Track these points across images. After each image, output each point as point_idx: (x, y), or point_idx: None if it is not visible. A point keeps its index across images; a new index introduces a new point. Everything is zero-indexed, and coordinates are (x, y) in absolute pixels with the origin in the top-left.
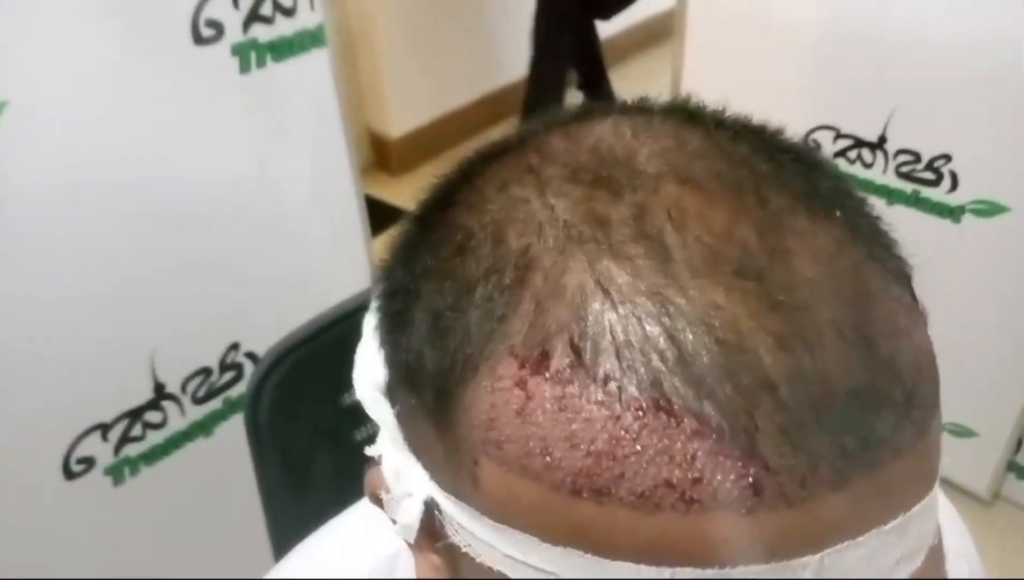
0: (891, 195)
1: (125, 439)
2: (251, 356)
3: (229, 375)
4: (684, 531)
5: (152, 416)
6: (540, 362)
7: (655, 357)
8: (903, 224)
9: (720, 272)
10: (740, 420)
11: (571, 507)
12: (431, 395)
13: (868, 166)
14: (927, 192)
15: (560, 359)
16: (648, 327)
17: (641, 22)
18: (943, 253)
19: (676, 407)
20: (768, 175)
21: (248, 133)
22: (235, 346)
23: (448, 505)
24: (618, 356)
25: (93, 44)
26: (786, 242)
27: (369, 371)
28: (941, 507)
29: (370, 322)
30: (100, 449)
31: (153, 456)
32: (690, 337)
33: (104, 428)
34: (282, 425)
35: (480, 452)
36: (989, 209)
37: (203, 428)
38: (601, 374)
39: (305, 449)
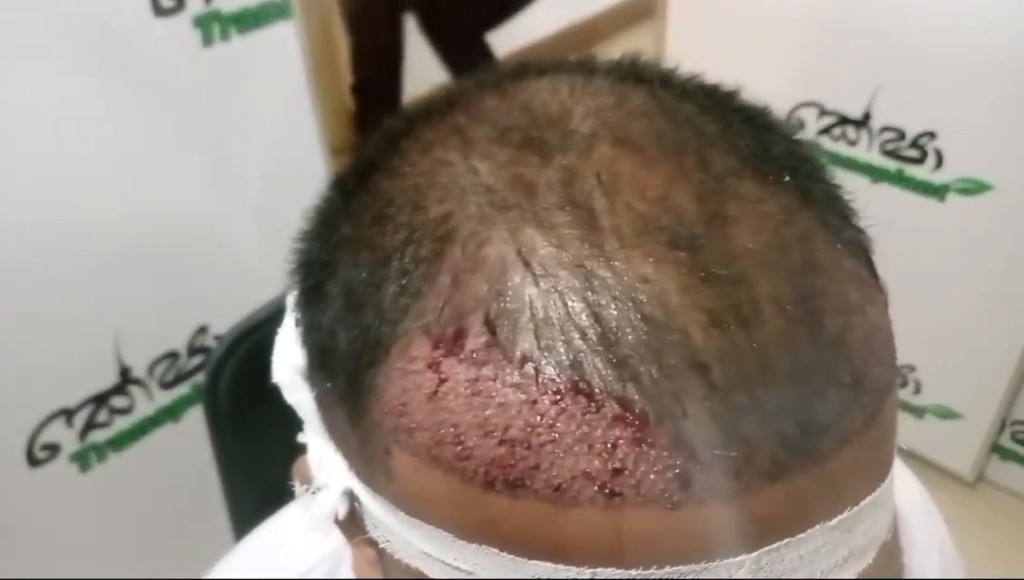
0: (875, 173)
1: (91, 425)
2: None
3: (197, 359)
4: (605, 527)
5: (118, 401)
6: (455, 342)
7: (576, 336)
8: (887, 203)
9: (651, 242)
10: (666, 405)
11: (484, 501)
12: (344, 378)
13: (852, 144)
14: (912, 170)
15: (476, 338)
16: (570, 303)
17: (624, 1)
18: (927, 232)
19: (597, 391)
20: (714, 136)
21: (212, 111)
22: (203, 329)
23: (365, 497)
24: (537, 335)
25: (44, 16)
26: (727, 208)
27: (288, 352)
28: (913, 491)
29: (290, 299)
30: (65, 435)
31: (120, 442)
32: (614, 313)
33: (69, 413)
34: (242, 408)
35: (392, 440)
36: (974, 187)
37: (171, 414)
38: (518, 354)
39: (267, 434)
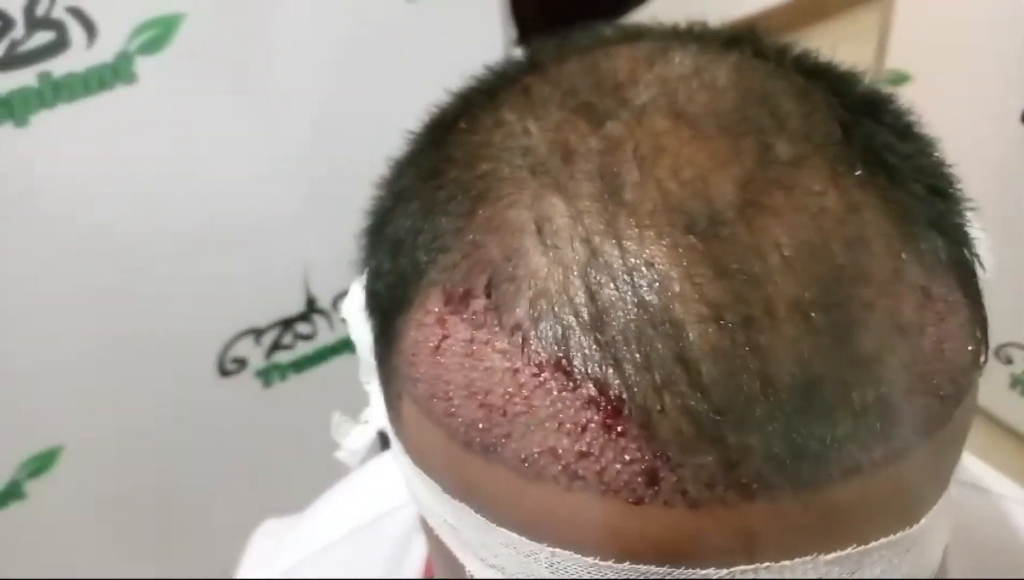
0: None
1: (277, 346)
2: None
3: None
4: (566, 508)
5: (303, 327)
6: (462, 300)
7: (568, 311)
8: None
9: (669, 224)
10: (644, 396)
11: (463, 460)
12: (378, 320)
13: None
14: None
15: (478, 300)
16: (570, 277)
17: None
18: None
19: (577, 370)
20: (794, 119)
21: (415, 64)
22: None
23: (391, 436)
24: (532, 304)
25: None
26: (770, 198)
27: (356, 290)
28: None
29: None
30: (253, 352)
31: (301, 365)
32: (611, 294)
33: (258, 333)
34: None
35: (402, 386)
36: None
37: (349, 345)
38: (511, 322)
39: None
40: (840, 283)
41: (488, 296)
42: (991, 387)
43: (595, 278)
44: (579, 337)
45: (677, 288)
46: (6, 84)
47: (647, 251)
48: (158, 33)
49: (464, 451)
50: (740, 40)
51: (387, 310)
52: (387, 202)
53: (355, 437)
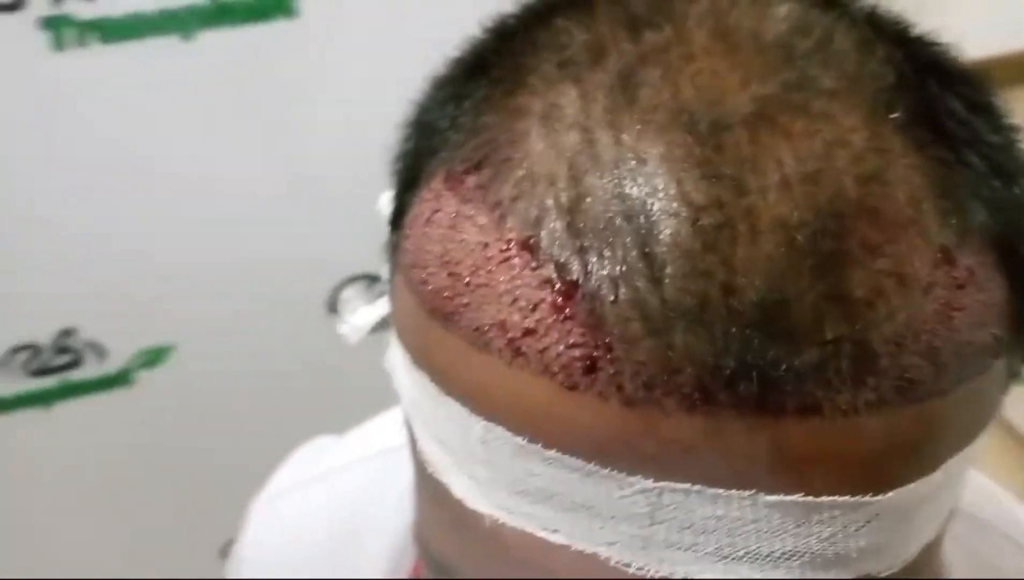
0: None
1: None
2: None
3: None
4: (506, 384)
5: None
6: (459, 178)
7: (550, 194)
8: None
9: (671, 123)
10: (601, 285)
11: (426, 328)
12: (396, 200)
13: None
14: None
15: (473, 176)
16: (559, 163)
17: None
18: None
19: (543, 251)
20: (846, 61)
21: None
22: None
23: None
24: (516, 185)
25: None
26: (785, 118)
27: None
28: None
29: None
30: (365, 296)
31: None
32: (594, 183)
33: (372, 279)
34: None
35: (397, 259)
36: None
37: None
38: (493, 199)
39: None
40: (842, 215)
41: (481, 174)
42: None
43: (583, 165)
44: (553, 220)
45: (660, 184)
46: None
47: (641, 145)
48: None
49: (428, 318)
50: None
51: (401, 189)
52: (427, 92)
53: (361, 314)
